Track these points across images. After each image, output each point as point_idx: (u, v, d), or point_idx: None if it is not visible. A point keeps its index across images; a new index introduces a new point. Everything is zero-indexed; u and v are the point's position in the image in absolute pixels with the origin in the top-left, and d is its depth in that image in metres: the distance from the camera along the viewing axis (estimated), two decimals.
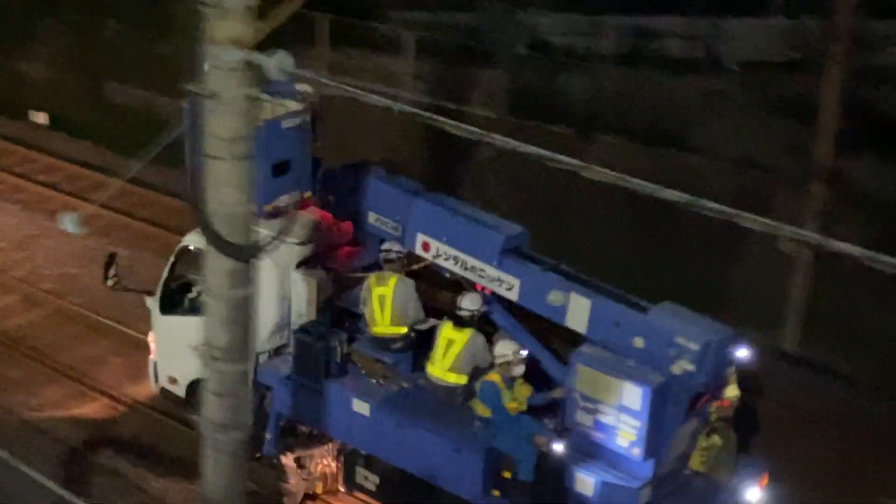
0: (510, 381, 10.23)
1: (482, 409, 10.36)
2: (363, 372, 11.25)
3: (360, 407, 10.91)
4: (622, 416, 9.85)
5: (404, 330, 11.20)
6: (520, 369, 10.28)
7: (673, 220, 13.08)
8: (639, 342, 10.02)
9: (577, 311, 10.46)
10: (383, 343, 11.22)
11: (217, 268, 7.27)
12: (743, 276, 15.42)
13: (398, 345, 11.23)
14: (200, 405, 11.99)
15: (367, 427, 10.91)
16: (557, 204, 16.21)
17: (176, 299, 12.56)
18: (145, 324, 13.24)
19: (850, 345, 14.50)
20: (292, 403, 11.51)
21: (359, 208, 11.97)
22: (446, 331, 10.83)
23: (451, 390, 10.82)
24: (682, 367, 9.77)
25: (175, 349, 12.47)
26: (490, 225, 11.15)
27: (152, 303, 12.62)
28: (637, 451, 9.83)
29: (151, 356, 12.92)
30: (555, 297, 10.55)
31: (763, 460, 10.99)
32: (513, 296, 10.90)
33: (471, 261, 11.13)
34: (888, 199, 14.84)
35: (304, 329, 11.38)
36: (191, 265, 12.40)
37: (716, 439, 10.32)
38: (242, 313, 7.74)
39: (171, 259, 12.36)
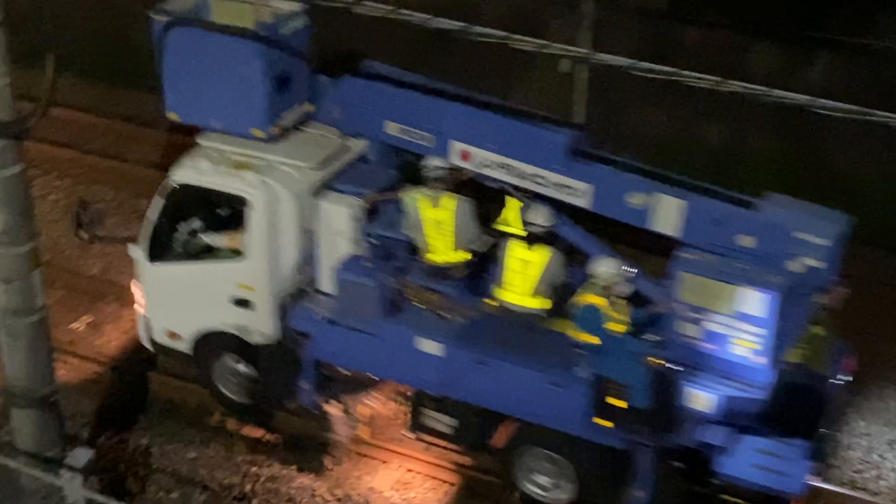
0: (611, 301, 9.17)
1: (581, 335, 9.28)
2: (420, 306, 9.95)
3: (429, 346, 9.65)
4: (741, 325, 8.97)
5: (468, 256, 9.91)
6: (626, 288, 9.22)
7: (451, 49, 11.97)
8: (747, 241, 9.08)
9: (667, 213, 9.41)
10: (442, 272, 9.91)
11: None
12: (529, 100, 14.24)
13: (461, 272, 9.95)
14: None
15: (439, 368, 9.69)
16: None
17: (166, 245, 10.83)
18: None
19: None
20: (337, 349, 10.15)
21: (372, 118, 10.43)
22: (518, 251, 9.61)
23: (531, 316, 9.67)
24: (804, 263, 8.93)
25: (173, 300, 10.84)
26: (545, 125, 9.86)
27: (137, 251, 10.82)
28: (762, 360, 9.01)
29: (140, 311, 11.19)
30: (637, 198, 9.46)
31: (848, 345, 10.36)
32: (584, 203, 9.75)
33: (527, 168, 9.87)
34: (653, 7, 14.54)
35: (346, 266, 9.94)
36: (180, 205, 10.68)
37: (819, 330, 9.62)
38: (16, 193, 7.87)
39: (160, 200, 10.54)
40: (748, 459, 9.27)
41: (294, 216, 10.18)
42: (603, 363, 9.14)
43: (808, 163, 14.09)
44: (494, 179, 10.12)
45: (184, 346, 11.04)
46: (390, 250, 10.13)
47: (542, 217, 9.59)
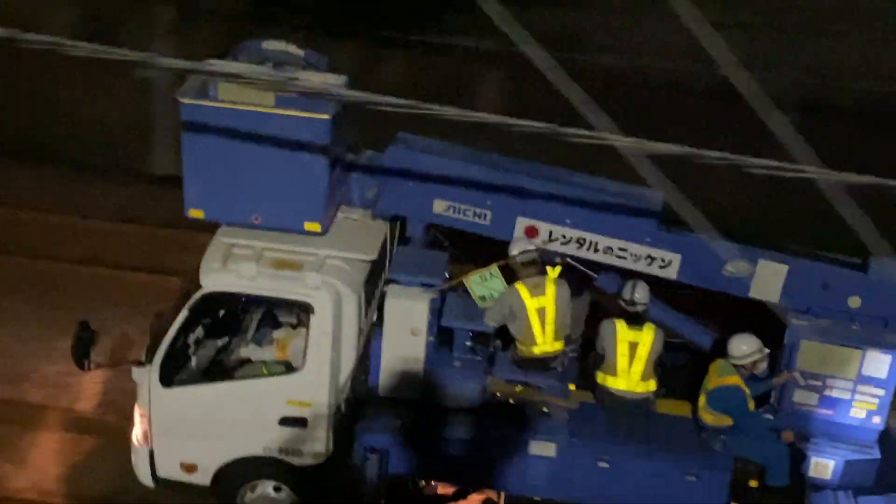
0: (748, 381, 8.77)
1: (715, 419, 8.78)
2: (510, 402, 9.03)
3: (542, 448, 8.77)
4: (862, 387, 8.90)
5: (562, 345, 9.09)
6: (764, 367, 8.83)
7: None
8: (855, 302, 9.02)
9: (768, 279, 9.14)
10: (541, 363, 9.03)
11: None
12: None
13: (561, 363, 9.11)
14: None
15: (552, 469, 8.82)
16: None
17: (185, 364, 9.12)
18: None
19: None
20: (420, 461, 8.98)
21: (418, 197, 9.34)
22: (626, 333, 8.95)
23: (640, 402, 9.05)
24: None
25: (192, 428, 9.15)
26: (627, 195, 9.27)
27: (145, 374, 9.01)
28: (877, 420, 8.98)
29: (140, 443, 9.33)
30: (736, 266, 9.12)
31: None
32: (669, 273, 9.27)
33: (608, 241, 9.23)
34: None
35: (438, 368, 8.83)
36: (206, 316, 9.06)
37: None
38: None
39: (184, 313, 8.82)
40: None
41: (355, 317, 8.90)
42: (740, 444, 8.72)
43: None
44: (556, 253, 9.40)
45: (202, 479, 9.34)
46: (474, 346, 9.12)
47: (643, 294, 9.00)
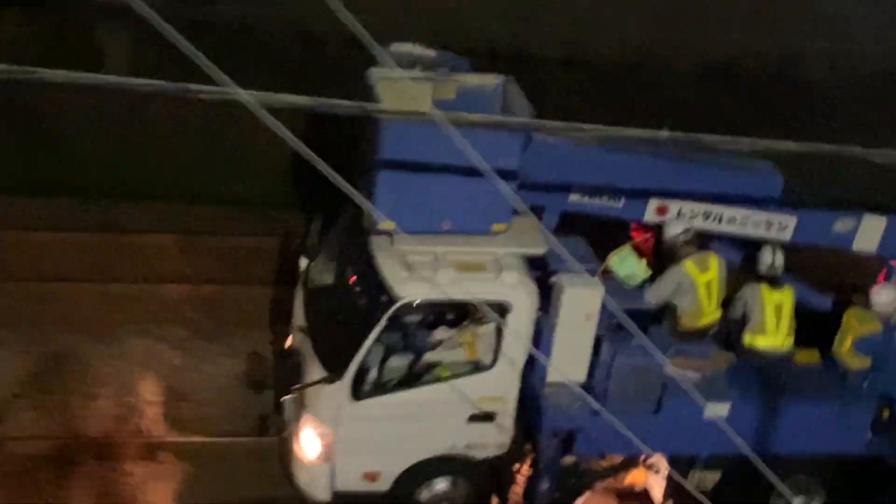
0: None
1: (859, 361, 9.82)
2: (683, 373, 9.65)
3: (717, 409, 9.48)
4: None
5: (720, 313, 9.78)
6: None
7: None
8: None
9: (868, 233, 10.25)
10: (702, 333, 9.69)
11: None
12: None
13: (716, 329, 9.80)
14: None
15: (723, 428, 9.56)
16: None
17: (375, 376, 9.08)
18: None
19: None
20: (606, 439, 9.46)
21: (555, 186, 9.69)
22: (768, 294, 9.78)
23: (786, 356, 9.93)
24: None
25: (380, 438, 9.20)
26: (746, 166, 10.02)
27: (332, 393, 8.92)
28: None
29: (318, 460, 9.23)
30: (844, 224, 10.16)
31: None
32: (785, 235, 10.17)
33: (732, 212, 9.99)
34: None
35: (620, 351, 9.29)
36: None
37: None
38: None
39: (379, 326, 8.77)
40: None
41: (535, 310, 9.19)
42: (881, 382, 9.83)
43: None
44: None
45: (383, 486, 9.40)
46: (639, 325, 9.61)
47: (783, 259, 9.84)
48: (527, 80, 9.67)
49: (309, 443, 9.21)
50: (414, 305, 8.83)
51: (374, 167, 8.61)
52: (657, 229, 10.02)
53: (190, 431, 10.62)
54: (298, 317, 10.01)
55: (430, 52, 9.48)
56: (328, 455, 9.17)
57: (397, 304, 8.74)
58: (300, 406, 9.31)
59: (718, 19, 20.57)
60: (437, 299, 8.84)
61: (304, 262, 10.20)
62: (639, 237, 10.25)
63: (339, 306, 9.57)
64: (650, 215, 9.85)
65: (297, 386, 9.07)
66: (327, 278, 10.14)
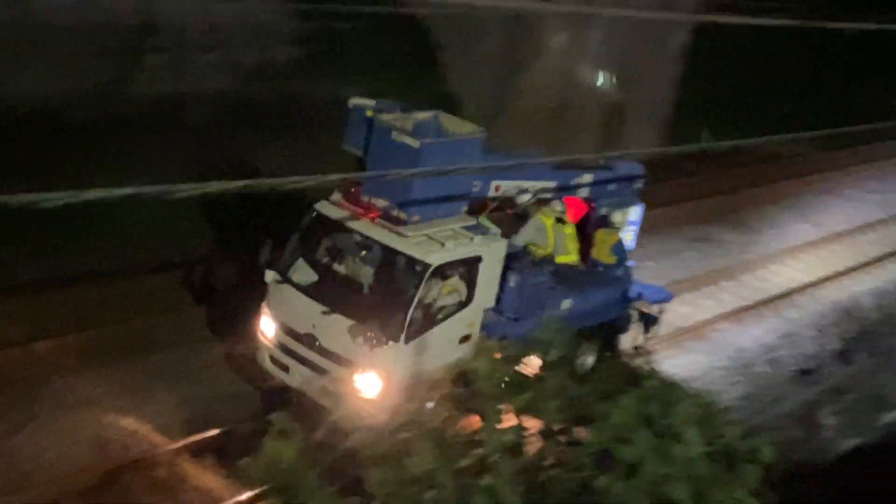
0: None
1: (611, 260, 16.14)
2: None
3: (567, 304, 15.18)
4: None
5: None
6: None
7: None
8: None
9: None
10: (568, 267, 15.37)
11: None
12: None
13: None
14: None
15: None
16: None
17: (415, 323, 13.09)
18: None
19: None
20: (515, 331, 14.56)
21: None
22: (564, 229, 15.61)
23: (574, 265, 15.86)
24: None
25: (417, 368, 13.31)
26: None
27: (392, 342, 12.90)
28: None
29: (382, 394, 12.99)
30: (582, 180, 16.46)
31: None
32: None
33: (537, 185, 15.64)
34: None
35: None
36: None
37: None
38: None
39: (421, 290, 12.90)
40: None
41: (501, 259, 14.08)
42: (621, 271, 16.34)
43: None
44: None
45: None
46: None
47: (561, 206, 15.73)
48: None
49: (372, 384, 12.92)
50: (437, 267, 13.08)
51: (405, 182, 12.75)
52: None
53: None
54: (282, 314, 13.55)
55: (371, 102, 13.65)
56: (388, 389, 12.96)
57: (431, 268, 12.97)
58: (343, 365, 13.05)
59: None
60: (448, 260, 13.20)
61: (270, 275, 13.64)
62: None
63: (362, 285, 13.26)
64: (491, 191, 15.04)
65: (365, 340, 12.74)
66: (314, 275, 13.65)
